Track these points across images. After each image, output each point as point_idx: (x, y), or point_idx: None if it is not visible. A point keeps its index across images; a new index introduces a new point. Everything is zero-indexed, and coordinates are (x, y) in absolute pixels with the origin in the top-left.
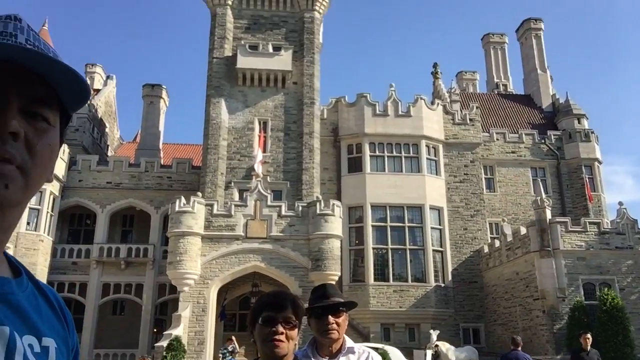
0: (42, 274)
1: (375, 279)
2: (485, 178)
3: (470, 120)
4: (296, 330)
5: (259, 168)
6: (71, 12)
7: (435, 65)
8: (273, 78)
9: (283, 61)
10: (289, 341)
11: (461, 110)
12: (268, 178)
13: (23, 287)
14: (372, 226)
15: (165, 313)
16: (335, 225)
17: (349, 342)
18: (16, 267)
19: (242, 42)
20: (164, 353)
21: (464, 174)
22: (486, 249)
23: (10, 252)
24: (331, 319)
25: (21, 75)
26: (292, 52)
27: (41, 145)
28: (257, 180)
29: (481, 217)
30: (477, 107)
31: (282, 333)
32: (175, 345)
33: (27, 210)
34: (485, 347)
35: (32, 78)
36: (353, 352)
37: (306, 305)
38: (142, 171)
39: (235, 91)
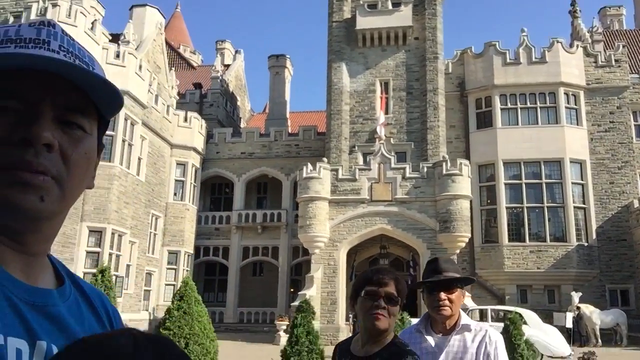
0: (189, 240)
1: (510, 240)
2: (634, 125)
3: (616, 61)
4: (397, 307)
5: (381, 130)
6: None
7: (573, 3)
8: (393, 36)
9: (403, 17)
10: (390, 317)
11: (605, 51)
12: (391, 140)
13: (65, 295)
14: (505, 184)
15: (300, 274)
16: (464, 185)
17: (465, 319)
18: (60, 274)
19: (361, 1)
20: (295, 314)
21: (610, 122)
22: (636, 204)
23: (160, 221)
24: (443, 295)
25: (55, 83)
26: (412, 6)
27: (77, 154)
28: (380, 143)
29: (630, 168)
30: (623, 46)
31: (384, 308)
32: (305, 307)
33: (173, 181)
34: (634, 309)
35: (66, 86)
36: (469, 330)
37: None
38: (271, 140)
39: (355, 54)
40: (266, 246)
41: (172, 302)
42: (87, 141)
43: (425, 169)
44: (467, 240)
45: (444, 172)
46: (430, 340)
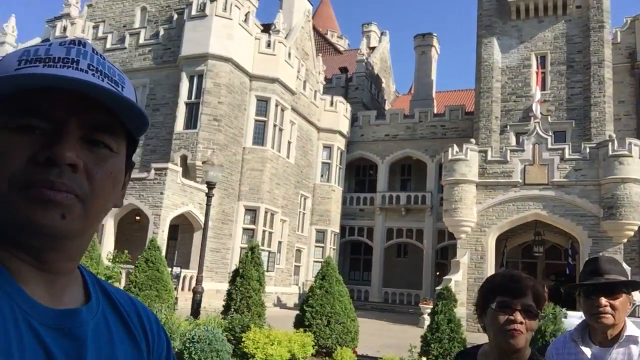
0: (335, 220)
1: None
2: None
3: None
4: (536, 321)
5: (537, 108)
6: None
7: None
8: (552, 5)
9: None
10: (527, 332)
11: None
12: (548, 118)
13: (92, 312)
14: None
15: (445, 257)
16: (633, 167)
17: (631, 329)
18: (88, 289)
19: None
20: (436, 301)
21: None
22: None
23: (308, 201)
24: (604, 300)
25: (82, 102)
26: None
27: (102, 173)
28: (536, 122)
29: None
30: None
31: (521, 323)
32: (446, 294)
33: (320, 164)
34: None
35: (93, 105)
36: (636, 342)
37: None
38: (416, 122)
39: (508, 27)
40: (410, 228)
41: (315, 281)
42: (114, 160)
43: (588, 150)
44: (636, 228)
45: (610, 153)
46: (587, 352)
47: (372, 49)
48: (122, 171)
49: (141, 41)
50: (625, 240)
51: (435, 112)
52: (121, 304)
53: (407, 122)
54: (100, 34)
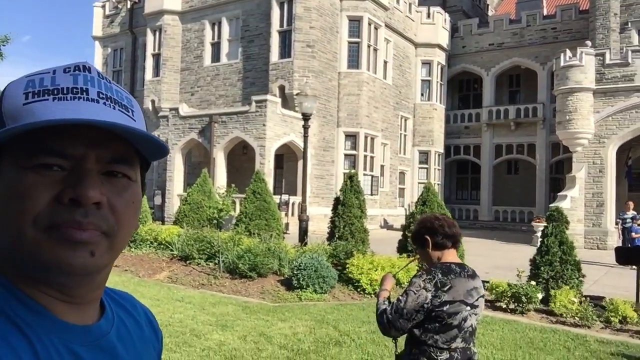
0: (438, 140)
1: None
2: None
3: None
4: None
5: None
6: None
7: None
8: None
9: None
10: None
11: None
12: None
13: (109, 320)
14: None
15: (560, 172)
16: None
17: None
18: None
19: None
20: (546, 223)
21: None
22: None
23: (409, 122)
24: None
25: (98, 136)
26: None
27: (124, 204)
28: None
29: None
30: None
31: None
32: (556, 215)
33: (419, 82)
34: None
35: (109, 137)
36: None
37: None
38: (523, 26)
39: None
40: (521, 143)
41: (415, 207)
42: (133, 189)
43: None
44: None
45: None
46: None
47: None
48: (141, 197)
49: None
50: None
51: (545, 13)
52: (124, 302)
53: (514, 28)
54: None
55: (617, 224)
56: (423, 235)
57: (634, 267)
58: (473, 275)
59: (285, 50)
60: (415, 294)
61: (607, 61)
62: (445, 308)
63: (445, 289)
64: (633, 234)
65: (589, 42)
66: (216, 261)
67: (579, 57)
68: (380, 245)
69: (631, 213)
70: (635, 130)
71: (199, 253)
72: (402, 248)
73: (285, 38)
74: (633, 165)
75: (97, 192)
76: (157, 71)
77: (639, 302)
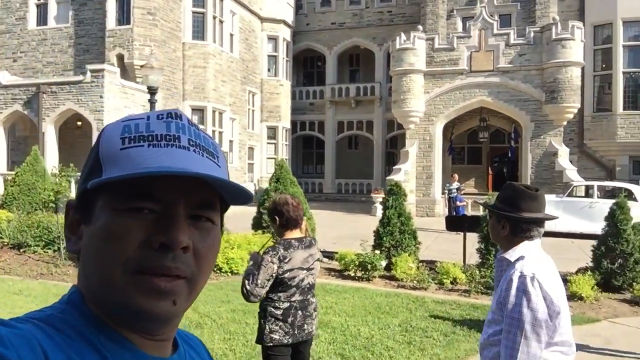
0: (285, 115)
1: (625, 108)
2: None
3: None
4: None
5: None
6: None
7: None
8: None
9: None
10: None
11: None
12: (494, 1)
13: (182, 356)
14: (624, 46)
15: (395, 147)
16: (575, 50)
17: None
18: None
19: None
20: (387, 196)
21: None
22: None
23: (257, 97)
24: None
25: (189, 183)
26: None
27: (207, 248)
28: (482, 6)
29: None
30: None
31: None
32: (395, 190)
33: (265, 57)
34: None
35: (199, 184)
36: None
37: None
38: (362, 8)
39: None
40: (360, 120)
41: (269, 183)
42: (214, 232)
43: (532, 34)
44: (575, 111)
45: (554, 36)
46: None
47: None
48: (220, 239)
49: None
50: (564, 123)
51: None
52: (191, 341)
53: (354, 9)
54: None
55: (443, 193)
56: (273, 215)
57: (459, 232)
58: (310, 245)
59: (124, 16)
60: (265, 267)
61: (436, 45)
62: (286, 275)
63: (287, 260)
64: (458, 202)
65: (420, 27)
66: (56, 248)
67: (412, 40)
68: (231, 222)
69: (456, 184)
70: (459, 109)
71: (34, 240)
72: (257, 225)
73: (124, 3)
74: (454, 140)
75: (186, 237)
76: None
77: (466, 265)
